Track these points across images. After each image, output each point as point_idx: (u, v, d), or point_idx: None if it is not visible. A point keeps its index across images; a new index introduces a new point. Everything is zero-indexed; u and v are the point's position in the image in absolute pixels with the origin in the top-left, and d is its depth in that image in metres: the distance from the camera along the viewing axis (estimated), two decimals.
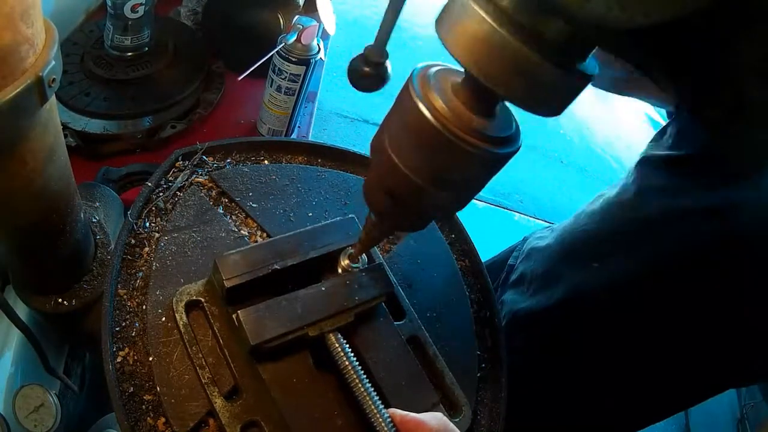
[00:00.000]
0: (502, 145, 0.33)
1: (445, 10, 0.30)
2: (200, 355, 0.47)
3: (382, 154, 0.36)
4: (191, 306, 0.49)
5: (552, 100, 0.30)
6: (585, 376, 0.78)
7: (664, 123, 0.78)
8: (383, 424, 0.44)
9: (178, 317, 0.48)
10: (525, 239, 1.01)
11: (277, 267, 0.49)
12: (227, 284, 0.46)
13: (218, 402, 0.45)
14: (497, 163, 0.35)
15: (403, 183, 0.36)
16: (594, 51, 0.30)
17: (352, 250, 0.51)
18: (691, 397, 0.76)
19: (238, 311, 0.45)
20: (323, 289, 0.48)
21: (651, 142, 0.76)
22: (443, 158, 0.33)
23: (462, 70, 0.34)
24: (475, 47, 0.28)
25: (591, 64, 0.30)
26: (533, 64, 0.28)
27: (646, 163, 0.74)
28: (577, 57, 0.29)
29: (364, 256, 0.52)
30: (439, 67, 0.35)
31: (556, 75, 0.28)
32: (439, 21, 0.31)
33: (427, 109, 0.32)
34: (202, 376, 0.46)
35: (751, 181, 0.61)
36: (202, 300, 0.49)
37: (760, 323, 0.62)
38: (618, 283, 0.72)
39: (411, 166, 0.35)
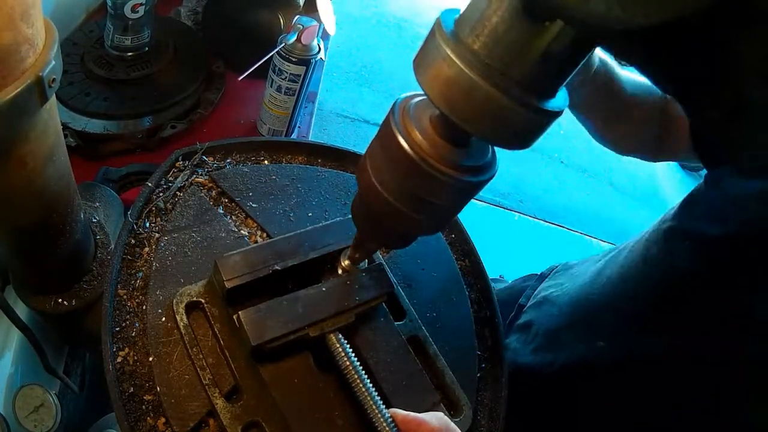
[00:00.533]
0: (476, 174, 0.35)
1: (421, 51, 0.32)
2: (201, 356, 0.47)
3: (365, 178, 0.39)
4: (192, 307, 0.49)
5: (520, 137, 0.32)
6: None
7: None
8: (384, 424, 0.44)
9: (178, 318, 0.48)
10: (542, 277, 0.94)
11: (277, 267, 0.49)
12: (228, 285, 0.46)
13: (219, 403, 0.45)
14: (471, 190, 0.37)
15: (382, 206, 0.38)
16: (564, 84, 0.32)
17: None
18: None
19: (239, 312, 0.45)
20: (324, 289, 0.48)
21: (679, 208, 0.65)
22: (419, 185, 0.36)
23: None
24: (446, 89, 0.30)
25: (560, 98, 0.32)
26: (502, 107, 0.29)
27: (675, 236, 0.63)
28: (547, 96, 0.31)
29: None
30: (420, 98, 0.37)
31: (525, 115, 0.30)
32: (416, 62, 0.33)
33: (404, 139, 0.35)
34: (202, 377, 0.46)
35: None
36: (203, 301, 0.49)
37: None
38: (625, 366, 0.66)
39: (389, 189, 0.37)
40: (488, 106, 0.29)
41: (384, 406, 0.45)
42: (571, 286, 0.82)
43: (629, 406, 0.68)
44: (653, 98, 0.72)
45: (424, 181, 0.35)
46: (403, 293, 0.57)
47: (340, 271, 0.51)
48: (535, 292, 0.90)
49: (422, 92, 0.36)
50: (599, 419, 0.71)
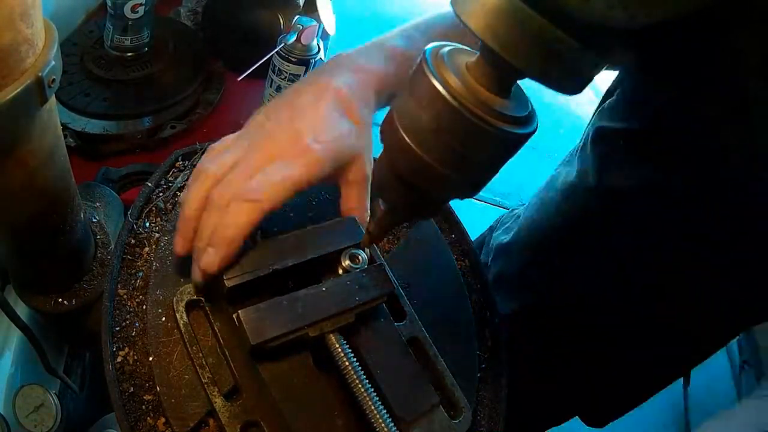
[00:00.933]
0: (519, 125, 0.33)
1: None
2: (200, 355, 0.46)
3: (393, 135, 0.35)
4: (192, 305, 0.49)
5: (572, 76, 0.29)
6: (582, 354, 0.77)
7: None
8: (383, 425, 0.44)
9: (178, 316, 0.47)
10: (491, 229, 0.96)
11: (277, 267, 0.49)
12: (228, 284, 0.46)
13: (218, 402, 0.44)
14: (514, 143, 0.34)
15: (414, 164, 0.35)
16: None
17: (354, 250, 0.51)
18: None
19: (239, 311, 0.45)
20: (324, 289, 0.48)
21: (599, 110, 0.67)
22: (458, 138, 0.32)
23: (475, 51, 0.34)
24: (494, 19, 0.27)
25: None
26: (556, 39, 0.26)
27: (601, 138, 0.65)
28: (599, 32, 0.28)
29: (365, 256, 0.52)
30: (452, 47, 0.34)
31: (579, 51, 0.27)
32: None
33: (442, 86, 0.31)
34: (202, 375, 0.45)
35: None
36: (203, 299, 0.49)
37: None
38: (601, 277, 0.69)
39: (423, 145, 0.34)
40: (540, 37, 0.27)
41: (383, 407, 0.45)
42: (520, 225, 0.83)
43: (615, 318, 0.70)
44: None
45: (464, 133, 0.32)
46: (403, 294, 0.57)
47: (340, 272, 0.51)
48: (491, 245, 0.91)
49: (451, 43, 0.33)
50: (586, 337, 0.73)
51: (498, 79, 0.32)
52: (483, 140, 0.32)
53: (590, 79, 0.30)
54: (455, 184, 0.36)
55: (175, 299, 0.48)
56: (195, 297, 0.49)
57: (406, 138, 0.34)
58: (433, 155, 0.34)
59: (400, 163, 0.36)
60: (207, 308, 0.49)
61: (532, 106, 0.35)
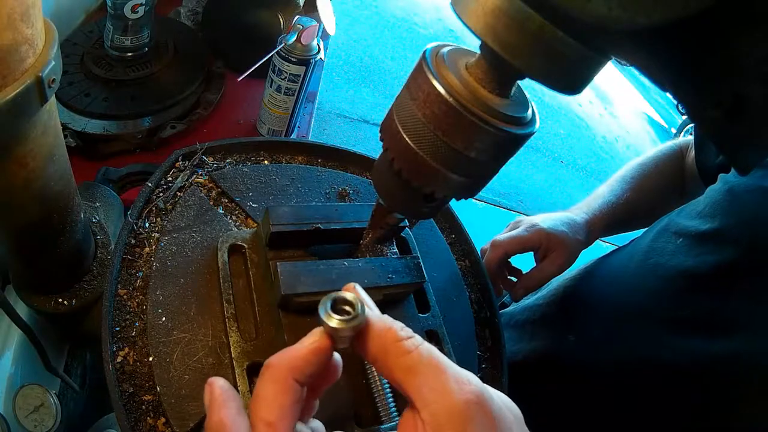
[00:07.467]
0: (518, 126, 0.32)
1: None
2: (230, 292, 0.49)
3: (393, 135, 0.35)
4: (234, 249, 0.52)
5: (572, 76, 0.29)
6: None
7: (664, 124, 0.76)
8: (381, 392, 0.45)
9: (219, 255, 0.51)
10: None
11: (320, 227, 0.50)
12: (273, 229, 0.48)
13: (234, 336, 0.47)
14: (513, 144, 0.33)
15: (413, 164, 0.34)
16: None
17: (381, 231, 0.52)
18: None
19: (277, 262, 0.47)
20: (360, 264, 0.50)
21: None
22: (457, 137, 0.32)
23: (474, 51, 0.34)
24: (494, 19, 0.27)
25: None
26: (556, 38, 0.26)
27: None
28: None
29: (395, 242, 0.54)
30: (451, 47, 0.34)
31: (579, 50, 0.27)
32: None
33: (441, 84, 0.31)
34: (226, 309, 0.48)
35: None
36: (246, 246, 0.52)
37: None
38: (587, 365, 0.70)
39: (423, 146, 0.33)
40: (542, 39, 0.26)
41: (388, 383, 0.46)
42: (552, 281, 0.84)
43: (589, 406, 0.69)
44: (670, 155, 0.79)
45: (462, 132, 0.31)
46: (431, 290, 0.58)
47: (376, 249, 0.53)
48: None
49: (450, 43, 0.33)
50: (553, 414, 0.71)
51: (498, 79, 0.32)
52: (480, 139, 0.32)
53: (590, 79, 0.30)
54: (451, 183, 0.35)
55: (220, 240, 0.52)
56: (239, 243, 0.52)
57: (405, 136, 0.34)
58: (431, 154, 0.33)
59: (398, 160, 0.36)
60: (247, 254, 0.52)
61: (533, 107, 0.35)
